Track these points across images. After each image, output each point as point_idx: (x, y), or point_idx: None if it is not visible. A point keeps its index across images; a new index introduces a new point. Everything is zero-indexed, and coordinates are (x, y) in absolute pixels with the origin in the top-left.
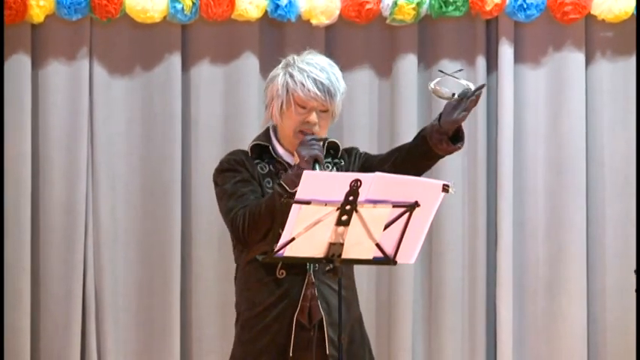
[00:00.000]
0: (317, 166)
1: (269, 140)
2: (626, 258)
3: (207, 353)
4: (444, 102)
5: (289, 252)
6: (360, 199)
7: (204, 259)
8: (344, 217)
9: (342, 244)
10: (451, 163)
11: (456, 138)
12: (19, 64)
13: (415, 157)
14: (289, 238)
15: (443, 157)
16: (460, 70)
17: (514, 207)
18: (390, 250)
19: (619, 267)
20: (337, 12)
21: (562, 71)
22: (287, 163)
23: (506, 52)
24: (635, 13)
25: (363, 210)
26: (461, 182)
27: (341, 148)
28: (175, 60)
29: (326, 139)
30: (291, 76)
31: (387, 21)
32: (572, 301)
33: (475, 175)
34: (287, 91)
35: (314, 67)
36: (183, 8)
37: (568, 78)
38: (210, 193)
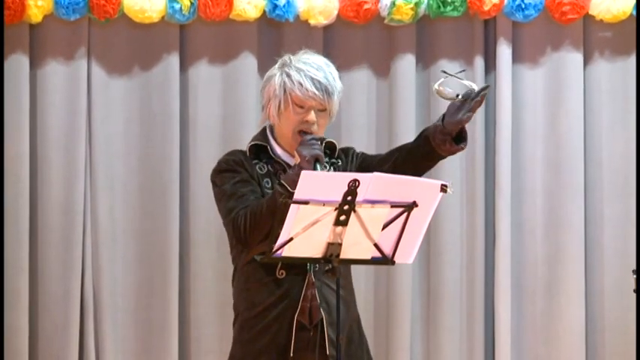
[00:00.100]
0: (318, 166)
1: (267, 140)
2: (625, 258)
3: (206, 353)
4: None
5: (287, 252)
6: (359, 199)
7: (202, 258)
8: (342, 217)
9: (340, 244)
10: (449, 164)
11: (458, 138)
12: (17, 64)
13: (417, 158)
14: (287, 238)
15: (445, 157)
16: (463, 71)
17: (512, 207)
18: (388, 250)
19: (617, 267)
20: (335, 12)
21: (560, 71)
22: (285, 163)
23: (504, 52)
24: (634, 13)
25: (362, 210)
26: (459, 182)
27: (337, 148)
28: (173, 60)
29: (324, 138)
30: (289, 75)
31: (386, 21)
32: (571, 301)
33: (473, 176)
34: (284, 90)
35: (311, 67)
36: (181, 8)
37: (566, 78)
38: (209, 193)
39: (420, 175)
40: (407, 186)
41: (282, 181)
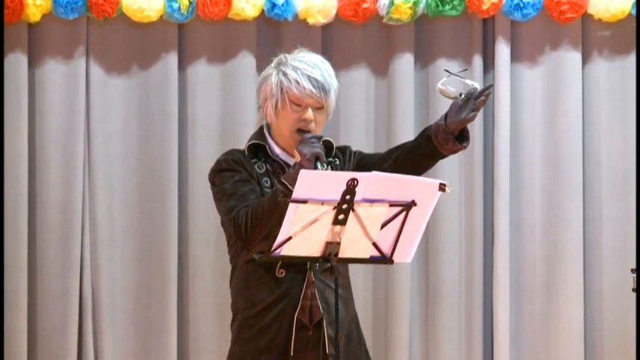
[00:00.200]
0: (318, 164)
1: (265, 140)
2: (623, 257)
3: (204, 352)
4: (441, 101)
5: (286, 251)
6: (357, 198)
7: (201, 257)
8: (341, 216)
9: (338, 243)
10: (448, 163)
11: (460, 137)
12: (15, 63)
13: (418, 157)
14: (286, 237)
15: (446, 156)
16: (465, 70)
17: (511, 206)
18: (386, 249)
19: (616, 266)
20: (334, 11)
21: (559, 70)
22: (284, 162)
23: (502, 51)
24: (634, 13)
25: (360, 209)
26: (458, 181)
27: (334, 146)
28: (172, 59)
29: (321, 137)
30: (285, 74)
31: (384, 20)
32: (569, 301)
33: (472, 175)
34: (281, 89)
35: (307, 65)
36: (179, 7)
37: (565, 77)
38: (208, 192)
39: (420, 173)
40: (405, 185)
41: (283, 180)
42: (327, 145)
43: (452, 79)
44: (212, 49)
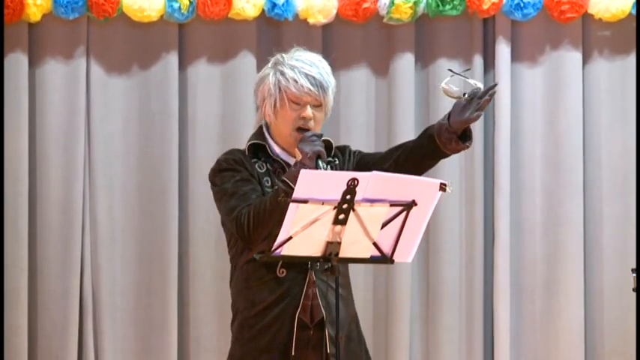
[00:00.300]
0: (320, 162)
1: (264, 139)
2: (624, 257)
3: (205, 352)
4: (441, 101)
5: (286, 251)
6: (358, 198)
7: (201, 257)
8: (341, 216)
9: (339, 243)
10: (449, 162)
11: (463, 137)
12: (16, 63)
13: (420, 156)
14: (286, 237)
15: (448, 156)
16: (468, 70)
17: (511, 206)
18: (387, 248)
19: (616, 266)
20: (334, 11)
21: (559, 70)
22: (284, 161)
23: (503, 50)
24: (634, 12)
25: (361, 209)
26: (458, 181)
27: (334, 146)
28: (172, 59)
29: (321, 134)
30: (282, 73)
31: (384, 20)
32: (570, 300)
33: (472, 174)
34: (279, 89)
35: (304, 63)
36: (180, 7)
37: (565, 77)
38: (208, 192)
39: (421, 173)
40: (406, 185)
41: (285, 178)
42: (327, 145)
43: (455, 79)
44: (212, 48)
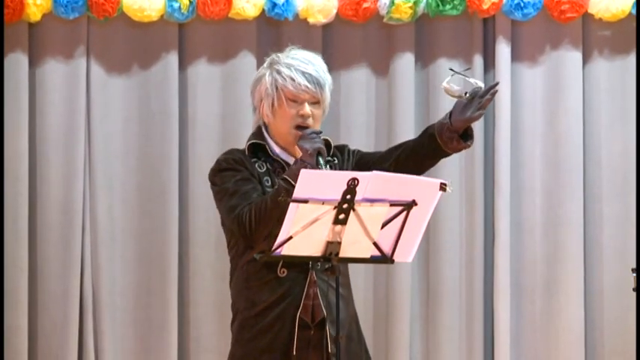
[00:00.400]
0: (320, 159)
1: (264, 139)
2: (624, 257)
3: (205, 352)
4: (441, 100)
5: (287, 250)
6: (358, 197)
7: (201, 257)
8: (341, 216)
9: (339, 243)
10: (448, 162)
11: (464, 136)
12: (16, 63)
13: (420, 156)
14: (287, 237)
15: (449, 155)
16: (469, 69)
17: (511, 206)
18: (387, 248)
19: (616, 266)
20: (334, 11)
21: (559, 70)
22: (284, 161)
23: (503, 50)
24: (634, 12)
25: (361, 208)
26: (458, 181)
27: (332, 145)
28: (172, 59)
29: (321, 131)
30: (279, 72)
31: (385, 20)
32: (570, 300)
33: (472, 174)
34: (276, 88)
35: (300, 61)
36: (180, 7)
37: (565, 77)
38: (208, 192)
39: (422, 172)
40: (406, 185)
41: (286, 176)
42: (326, 144)
43: (455, 78)
44: (212, 48)
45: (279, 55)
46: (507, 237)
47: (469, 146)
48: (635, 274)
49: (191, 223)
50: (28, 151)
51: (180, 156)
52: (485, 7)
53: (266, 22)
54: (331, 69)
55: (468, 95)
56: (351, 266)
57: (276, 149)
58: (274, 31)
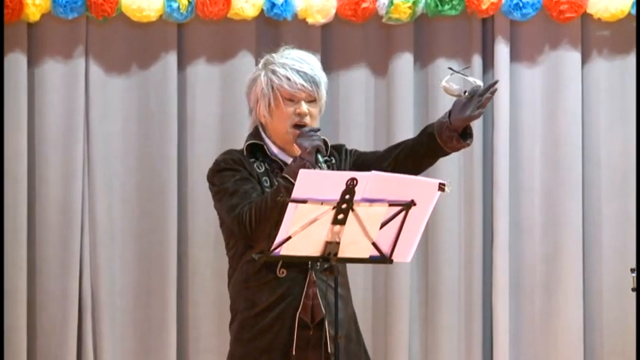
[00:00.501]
0: (319, 157)
1: (262, 140)
2: (623, 257)
3: (204, 351)
4: (440, 100)
5: (285, 251)
6: (357, 197)
7: (200, 257)
8: (340, 216)
9: (338, 243)
10: (447, 162)
11: (464, 135)
12: (15, 63)
13: (419, 155)
14: (285, 237)
15: (448, 154)
16: (467, 68)
17: (510, 206)
18: (386, 248)
19: (615, 266)
20: (333, 11)
21: (558, 70)
22: (282, 161)
23: (502, 50)
24: (633, 12)
25: (360, 209)
26: (457, 181)
27: (329, 145)
28: (171, 59)
29: (319, 129)
30: (274, 72)
31: (383, 20)
32: (569, 300)
33: (471, 174)
34: (272, 88)
35: (295, 60)
36: (179, 7)
37: (564, 77)
38: (207, 192)
39: (421, 171)
40: (405, 185)
41: (285, 174)
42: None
43: (454, 77)
44: (211, 48)
45: (273, 55)
46: (506, 237)
47: (469, 145)
48: (634, 274)
49: (190, 223)
50: (27, 151)
51: (180, 156)
52: (484, 7)
53: (265, 22)
54: (330, 69)
55: (467, 94)
56: (349, 266)
57: (274, 149)
58: (273, 32)
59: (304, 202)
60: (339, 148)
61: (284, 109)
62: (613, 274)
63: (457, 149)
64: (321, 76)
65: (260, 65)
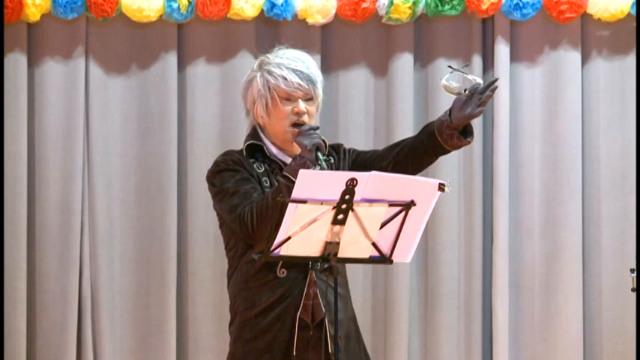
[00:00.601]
0: (319, 154)
1: (260, 141)
2: (622, 256)
3: (203, 352)
4: (440, 100)
5: (285, 251)
6: (356, 198)
7: (200, 257)
8: (340, 216)
9: (338, 243)
10: (447, 162)
11: (464, 133)
12: (15, 63)
13: (420, 153)
14: (285, 237)
15: (449, 152)
16: (467, 66)
17: (510, 205)
18: (386, 248)
19: (615, 266)
20: (333, 11)
21: (558, 70)
22: (281, 161)
23: (502, 50)
24: (633, 12)
25: (359, 209)
26: (457, 181)
27: (327, 145)
28: (171, 59)
29: (318, 127)
30: (270, 72)
31: (383, 20)
32: (568, 300)
33: (471, 174)
34: (269, 88)
35: (290, 60)
36: (179, 7)
37: (564, 77)
38: (207, 192)
39: (421, 170)
40: (405, 185)
41: (286, 173)
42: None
43: (454, 75)
44: (211, 48)
45: (268, 55)
46: (506, 237)
47: (469, 143)
48: (634, 274)
49: (190, 222)
50: (27, 151)
51: (179, 156)
52: (484, 7)
53: (265, 22)
54: (330, 69)
55: (467, 92)
56: (349, 267)
57: (273, 150)
58: (273, 32)
59: (304, 202)
60: (337, 148)
61: (282, 109)
62: (613, 274)
63: (458, 147)
64: (317, 75)
65: (255, 66)
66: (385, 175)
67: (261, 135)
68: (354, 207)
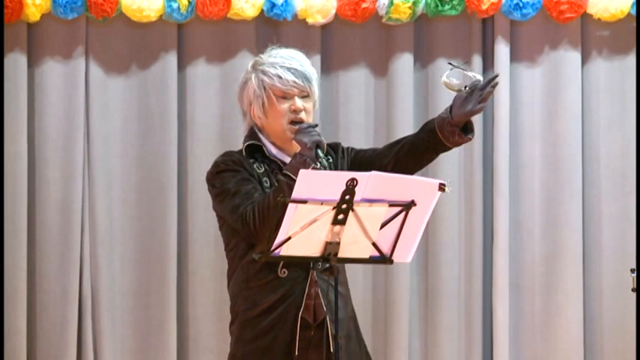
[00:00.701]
0: (319, 152)
1: (260, 141)
2: (623, 256)
3: (204, 351)
4: (440, 100)
5: (285, 251)
6: (357, 198)
7: (200, 257)
8: (340, 216)
9: (338, 243)
10: (447, 162)
11: (465, 130)
12: (15, 63)
13: (420, 151)
14: (285, 237)
15: (449, 149)
16: (466, 63)
17: (510, 205)
18: (386, 249)
19: (615, 265)
20: (333, 11)
21: (558, 70)
22: (281, 161)
23: (502, 50)
24: (633, 12)
25: (360, 209)
26: (457, 181)
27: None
28: (171, 59)
29: (316, 124)
30: (264, 72)
31: (383, 20)
32: (569, 300)
33: (471, 174)
34: (264, 88)
35: (283, 58)
36: (179, 7)
37: (564, 77)
38: (207, 192)
39: (421, 167)
40: (405, 185)
41: (286, 171)
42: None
43: (454, 72)
44: (211, 48)
45: (261, 56)
46: (506, 237)
47: (470, 140)
48: (634, 274)
49: (190, 222)
50: (27, 151)
51: (179, 156)
52: (484, 7)
53: (265, 22)
54: (330, 69)
55: (467, 89)
56: (349, 266)
57: (273, 150)
58: (273, 32)
59: (304, 202)
60: (335, 147)
61: (278, 107)
62: (613, 274)
63: (459, 144)
64: (312, 72)
65: (249, 68)
66: (385, 175)
67: (260, 136)
68: (355, 207)
